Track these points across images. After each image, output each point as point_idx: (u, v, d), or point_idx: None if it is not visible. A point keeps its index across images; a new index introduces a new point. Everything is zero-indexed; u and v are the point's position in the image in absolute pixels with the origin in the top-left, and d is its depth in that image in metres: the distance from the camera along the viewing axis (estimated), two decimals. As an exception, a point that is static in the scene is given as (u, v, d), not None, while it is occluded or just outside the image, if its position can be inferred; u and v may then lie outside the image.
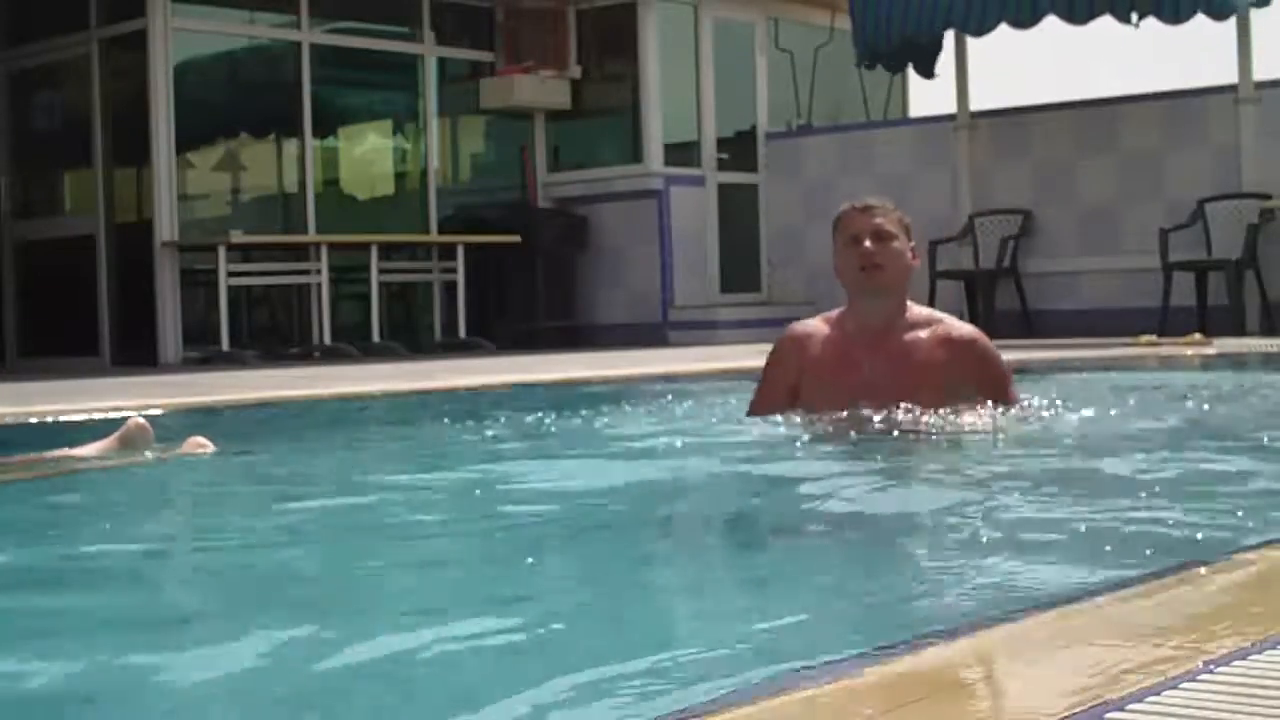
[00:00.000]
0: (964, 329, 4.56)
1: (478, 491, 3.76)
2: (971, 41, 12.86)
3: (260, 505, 3.63)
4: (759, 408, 4.64)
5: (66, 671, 1.89)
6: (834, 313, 4.67)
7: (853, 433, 4.24)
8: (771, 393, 4.63)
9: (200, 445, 4.30)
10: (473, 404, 6.67)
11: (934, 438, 4.14)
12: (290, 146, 12.95)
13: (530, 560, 2.73)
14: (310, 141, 12.74)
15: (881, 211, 4.49)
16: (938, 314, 4.59)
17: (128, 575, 2.73)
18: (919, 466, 3.73)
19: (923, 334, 4.46)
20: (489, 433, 5.12)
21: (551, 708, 1.71)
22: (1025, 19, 11.60)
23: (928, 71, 12.99)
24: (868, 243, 4.41)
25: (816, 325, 4.64)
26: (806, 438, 4.26)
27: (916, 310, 4.55)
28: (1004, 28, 11.82)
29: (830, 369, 4.49)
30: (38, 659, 1.94)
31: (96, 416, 5.73)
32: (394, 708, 1.74)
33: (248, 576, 2.65)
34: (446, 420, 5.91)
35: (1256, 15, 11.53)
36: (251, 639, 2.03)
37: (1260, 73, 11.58)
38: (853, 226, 4.47)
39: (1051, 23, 11.68)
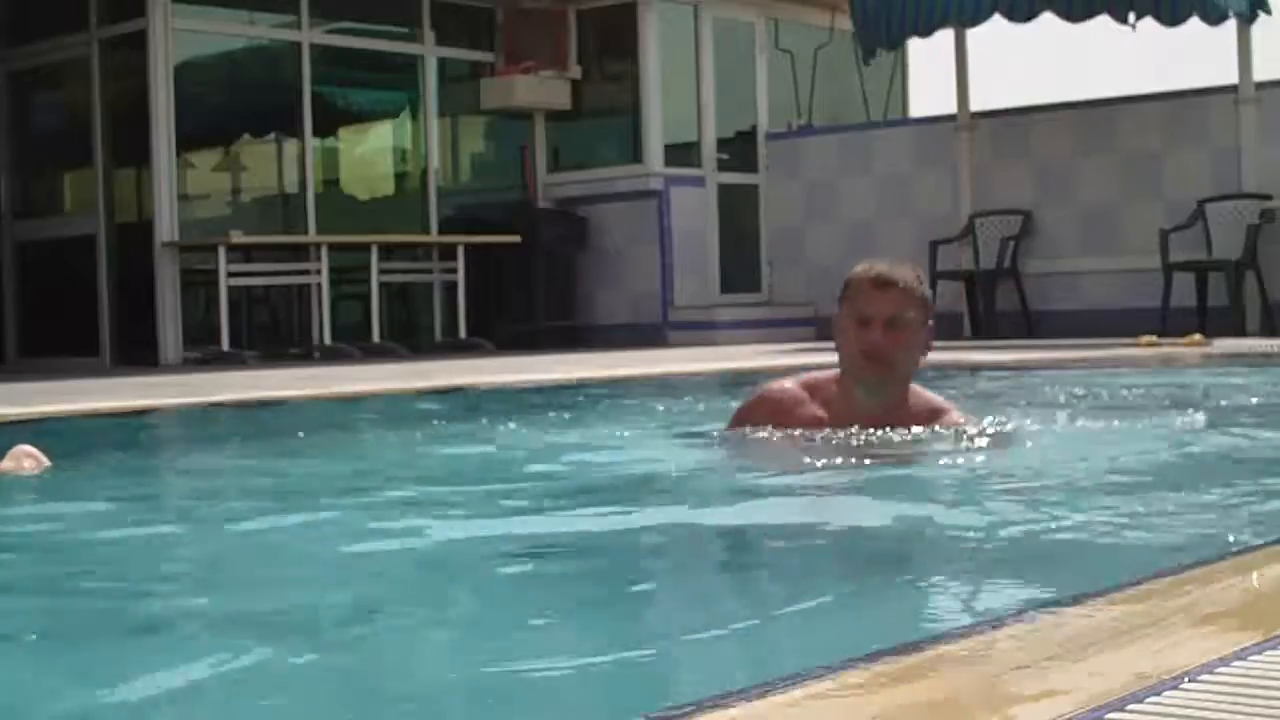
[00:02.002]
0: (971, 420, 4.10)
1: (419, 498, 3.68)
2: (972, 42, 12.87)
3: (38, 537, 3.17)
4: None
5: None
6: (819, 377, 4.11)
7: (826, 449, 3.90)
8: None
9: (29, 455, 3.79)
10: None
11: (916, 452, 3.89)
12: (290, 146, 12.95)
13: (522, 562, 2.73)
14: (310, 141, 12.74)
15: (903, 290, 3.87)
16: (939, 402, 4.08)
17: None
18: (904, 478, 3.63)
19: (931, 427, 3.98)
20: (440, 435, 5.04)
21: (550, 707, 1.71)
22: (1020, 14, 11.58)
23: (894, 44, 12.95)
24: (878, 329, 3.84)
25: (797, 394, 4.05)
26: (786, 452, 3.97)
27: (919, 396, 4.02)
28: (1004, 26, 11.82)
29: None
30: None
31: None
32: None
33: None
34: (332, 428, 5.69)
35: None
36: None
37: (1260, 73, 11.59)
38: (866, 305, 3.86)
39: (1051, 22, 11.68)
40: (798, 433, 3.98)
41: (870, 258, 4.03)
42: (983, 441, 3.98)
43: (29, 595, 2.48)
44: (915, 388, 4.03)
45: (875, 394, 3.92)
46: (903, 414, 3.95)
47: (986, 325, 12.18)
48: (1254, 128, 11.59)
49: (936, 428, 4.02)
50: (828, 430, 3.97)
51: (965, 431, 4.03)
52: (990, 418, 4.33)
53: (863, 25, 12.37)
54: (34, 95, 13.19)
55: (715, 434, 4.37)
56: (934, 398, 4.08)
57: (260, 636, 2.12)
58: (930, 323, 3.95)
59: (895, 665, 1.66)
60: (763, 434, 4.05)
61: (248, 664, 1.95)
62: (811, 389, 4.06)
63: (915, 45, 15.11)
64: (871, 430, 3.94)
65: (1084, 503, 3.14)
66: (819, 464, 3.73)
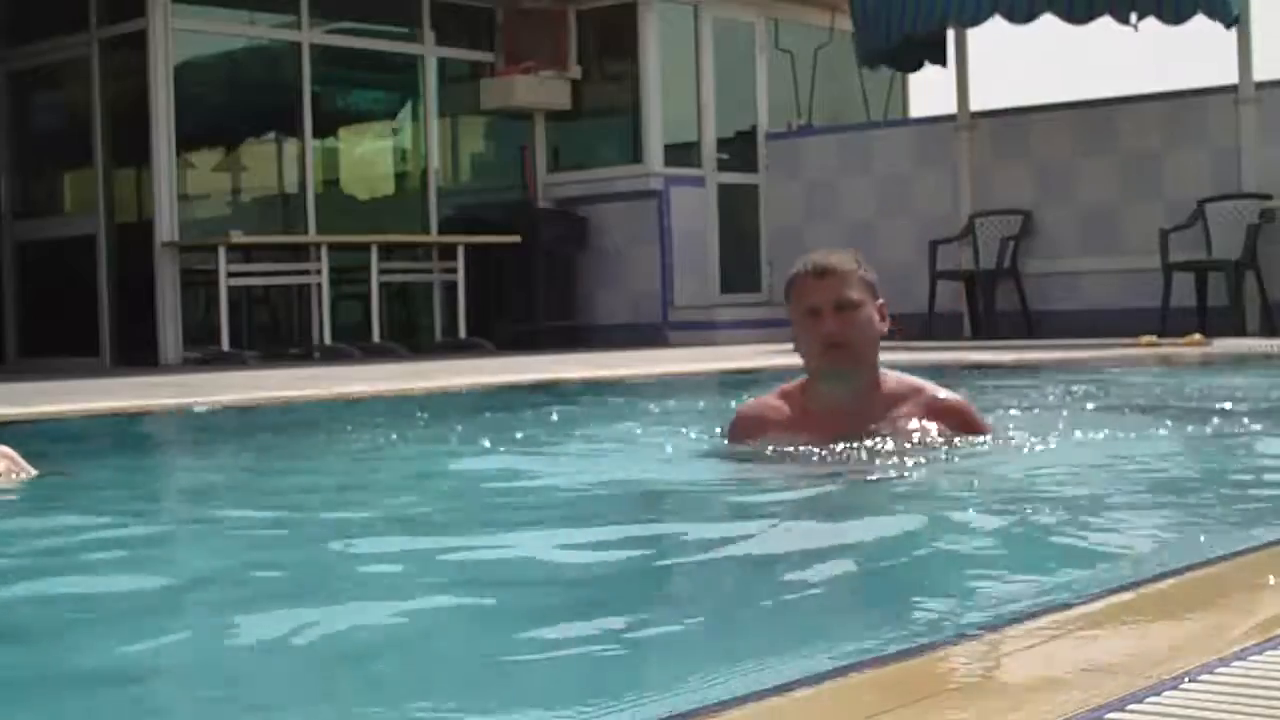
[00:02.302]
0: (949, 397, 4.01)
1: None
2: (971, 42, 12.87)
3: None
4: None
5: None
6: (790, 386, 4.04)
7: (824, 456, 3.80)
8: None
9: (4, 457, 3.57)
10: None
11: (916, 459, 3.77)
12: (290, 146, 12.95)
13: (517, 563, 2.73)
14: (310, 141, 12.74)
15: (841, 275, 3.84)
16: (913, 380, 4.01)
17: None
18: (907, 484, 3.56)
19: (903, 408, 3.91)
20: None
21: (552, 709, 1.71)
22: (1020, 15, 11.58)
23: (940, 59, 12.93)
24: (829, 317, 3.81)
25: (772, 407, 4.01)
26: (785, 463, 3.85)
27: (892, 379, 3.97)
28: (1005, 26, 11.82)
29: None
30: None
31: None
32: None
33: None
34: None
35: (1257, 15, 11.53)
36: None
37: (1260, 73, 11.58)
38: (809, 296, 3.84)
39: (1051, 22, 11.68)
40: (791, 447, 3.89)
41: (803, 254, 3.99)
42: (974, 445, 3.90)
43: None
44: (885, 371, 3.96)
45: (844, 384, 3.87)
46: (877, 399, 3.90)
47: (986, 325, 12.17)
48: (1254, 128, 11.59)
49: (926, 423, 3.90)
50: (808, 444, 3.86)
51: (960, 438, 3.92)
52: (964, 392, 4.23)
53: (862, 26, 12.37)
54: (34, 95, 13.19)
55: (709, 444, 4.25)
56: (906, 377, 4.01)
57: (251, 647, 2.12)
58: (880, 301, 3.89)
59: (896, 668, 1.66)
60: (752, 447, 3.96)
61: (237, 681, 1.95)
62: (784, 396, 4.01)
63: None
64: (862, 443, 3.84)
65: (1079, 505, 3.14)
66: (807, 473, 3.68)
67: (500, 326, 13.03)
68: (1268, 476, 3.68)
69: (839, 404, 3.87)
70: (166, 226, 11.64)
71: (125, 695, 1.84)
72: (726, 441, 4.09)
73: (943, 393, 4.00)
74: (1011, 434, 4.21)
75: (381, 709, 1.73)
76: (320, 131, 13.04)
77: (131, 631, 2.23)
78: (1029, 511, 3.07)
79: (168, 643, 2.15)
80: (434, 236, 13.18)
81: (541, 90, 13.50)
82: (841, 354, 3.81)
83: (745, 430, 4.00)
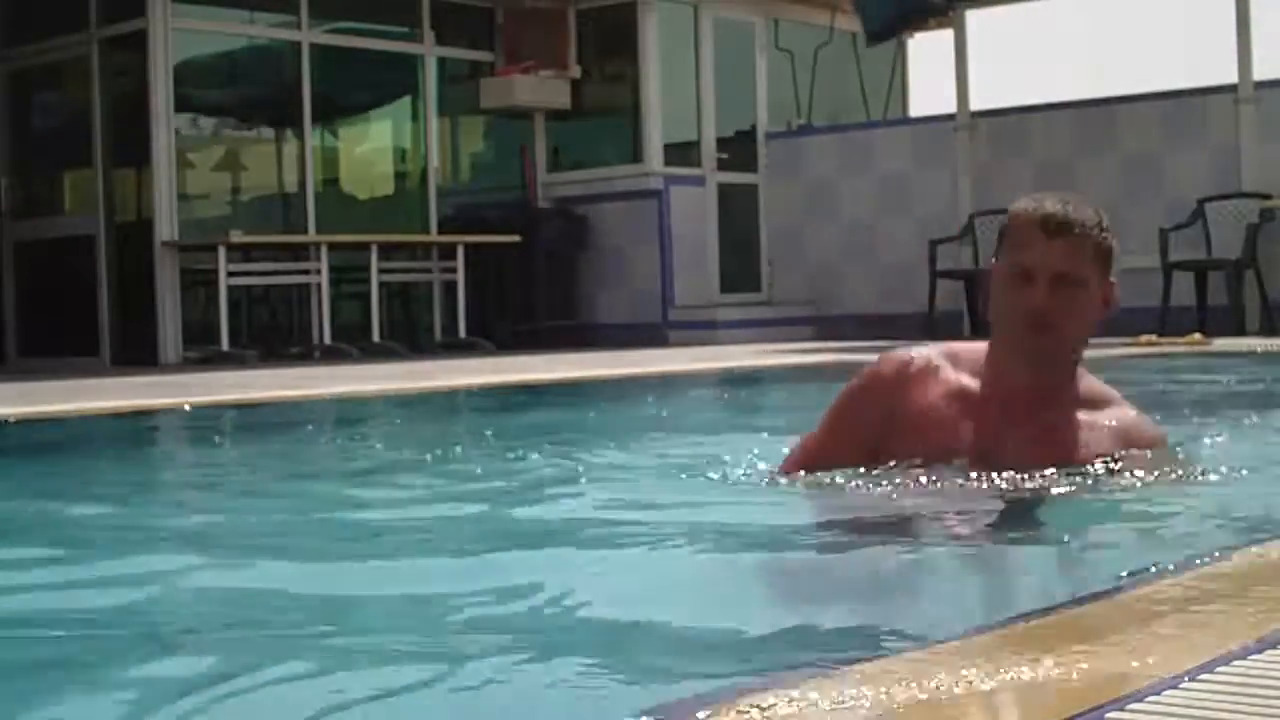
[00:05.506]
0: (1151, 428, 3.23)
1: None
2: (971, 41, 12.87)
3: None
4: (812, 459, 3.20)
5: None
6: (964, 348, 3.27)
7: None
8: (836, 445, 3.17)
9: None
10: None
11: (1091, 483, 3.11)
12: (290, 146, 12.95)
13: (530, 574, 2.73)
14: (310, 141, 12.74)
15: (1077, 239, 3.07)
16: (1112, 392, 3.22)
17: None
18: (928, 483, 3.23)
19: (1096, 418, 3.14)
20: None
21: (554, 710, 1.71)
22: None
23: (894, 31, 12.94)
24: (1041, 288, 3.04)
25: (934, 361, 3.18)
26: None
27: (1090, 381, 3.18)
28: (1004, 22, 11.82)
29: (945, 433, 3.09)
30: None
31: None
32: None
33: None
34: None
35: (1256, 15, 11.53)
36: None
37: (1260, 73, 11.59)
38: (1029, 253, 3.04)
39: (1051, 19, 11.67)
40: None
41: (1040, 193, 3.16)
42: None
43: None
44: (1084, 370, 3.20)
45: (1035, 368, 3.09)
46: (1065, 399, 3.12)
47: (986, 325, 12.17)
48: (1253, 127, 11.59)
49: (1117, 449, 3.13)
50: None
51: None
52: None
53: (864, 7, 12.33)
54: (34, 95, 13.19)
55: (773, 476, 3.36)
56: (1100, 384, 3.23)
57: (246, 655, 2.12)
58: (1113, 279, 3.17)
59: (895, 665, 1.65)
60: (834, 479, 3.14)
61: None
62: (949, 355, 3.22)
63: (915, 43, 15.14)
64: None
65: (1080, 503, 3.13)
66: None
67: (500, 326, 13.03)
68: (1264, 473, 3.66)
69: (1020, 388, 3.10)
70: (166, 226, 11.64)
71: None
72: (861, 383, 3.23)
73: (1144, 424, 3.24)
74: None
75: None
76: (320, 131, 13.04)
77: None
78: (1022, 513, 3.04)
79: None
80: (434, 236, 13.18)
81: (541, 90, 13.50)
82: (1043, 336, 3.04)
83: (897, 377, 3.17)
